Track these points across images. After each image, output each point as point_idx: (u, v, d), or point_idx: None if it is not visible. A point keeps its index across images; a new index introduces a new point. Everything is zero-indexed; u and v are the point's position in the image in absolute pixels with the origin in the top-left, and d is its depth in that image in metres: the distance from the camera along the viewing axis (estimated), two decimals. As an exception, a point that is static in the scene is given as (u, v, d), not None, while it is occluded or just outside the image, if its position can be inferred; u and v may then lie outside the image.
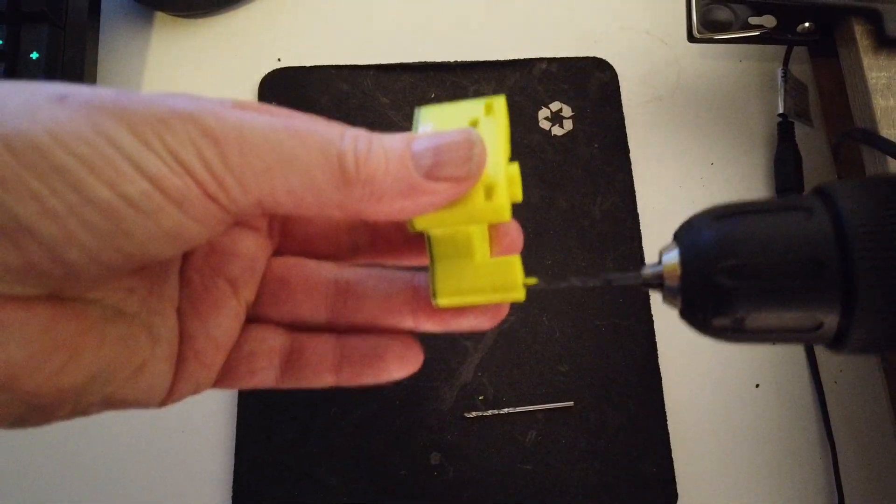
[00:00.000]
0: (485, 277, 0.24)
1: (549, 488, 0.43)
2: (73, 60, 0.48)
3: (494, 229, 0.26)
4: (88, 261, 0.18)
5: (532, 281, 0.25)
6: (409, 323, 0.26)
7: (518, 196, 0.26)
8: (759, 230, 0.22)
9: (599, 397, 0.44)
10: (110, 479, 0.43)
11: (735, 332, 0.22)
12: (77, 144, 0.17)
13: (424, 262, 0.25)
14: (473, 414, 0.44)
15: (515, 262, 0.24)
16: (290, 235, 0.27)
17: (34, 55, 0.46)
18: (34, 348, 0.18)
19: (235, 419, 0.44)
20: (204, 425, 0.44)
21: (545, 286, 0.25)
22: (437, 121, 0.24)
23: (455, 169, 0.21)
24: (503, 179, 0.22)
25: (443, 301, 0.24)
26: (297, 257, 0.27)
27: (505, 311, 0.25)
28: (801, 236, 0.21)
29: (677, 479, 0.43)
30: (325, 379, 0.27)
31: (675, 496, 0.43)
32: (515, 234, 0.26)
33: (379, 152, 0.21)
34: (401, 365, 0.27)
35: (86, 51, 0.49)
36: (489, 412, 0.44)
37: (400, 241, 0.27)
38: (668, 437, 0.44)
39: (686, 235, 0.23)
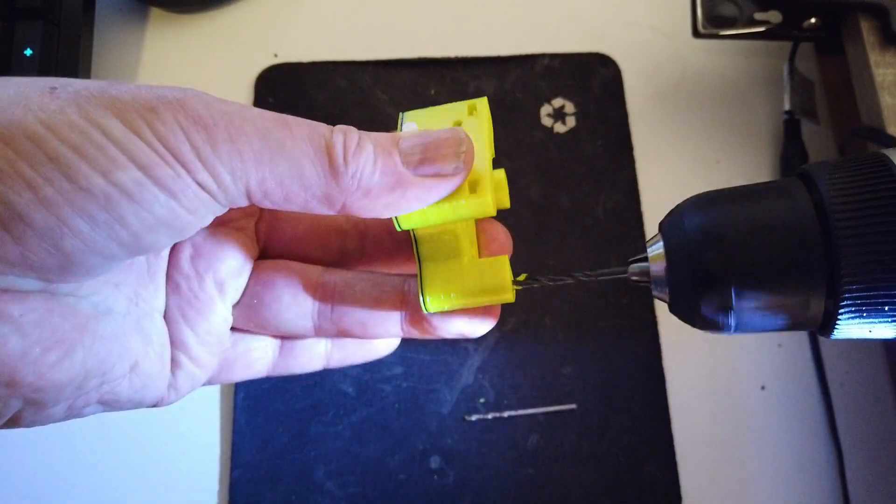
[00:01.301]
0: (474, 279, 0.24)
1: (551, 492, 0.42)
2: (67, 57, 0.47)
3: (483, 234, 0.26)
4: (84, 249, 0.18)
5: (521, 279, 0.25)
6: (396, 329, 0.26)
7: (505, 202, 0.26)
8: (743, 217, 0.22)
9: (602, 400, 0.44)
10: (105, 485, 0.42)
11: (724, 319, 0.22)
12: (69, 133, 0.17)
13: (415, 269, 0.25)
14: (474, 417, 0.43)
15: (503, 263, 0.24)
16: (277, 236, 0.27)
17: (28, 52, 0.46)
18: (32, 340, 0.19)
19: (231, 424, 0.43)
20: (199, 430, 0.43)
21: (535, 285, 0.25)
22: (421, 123, 0.24)
23: (444, 164, 0.21)
24: (487, 174, 0.22)
25: (432, 307, 0.24)
26: (284, 260, 0.27)
27: (494, 320, 0.25)
28: (785, 220, 0.21)
29: (681, 483, 0.43)
30: (316, 365, 0.27)
31: (680, 500, 0.42)
32: (504, 239, 0.26)
33: (367, 146, 0.21)
34: (386, 345, 0.28)
35: (80, 47, 0.48)
36: (490, 415, 0.43)
37: (391, 247, 0.27)
38: (672, 440, 0.43)
39: (670, 226, 0.23)
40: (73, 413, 0.21)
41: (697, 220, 0.22)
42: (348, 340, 0.27)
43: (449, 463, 0.42)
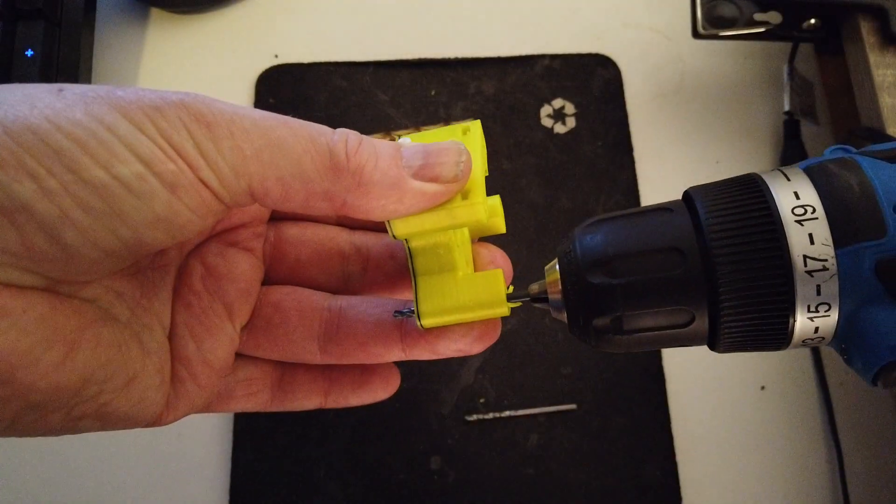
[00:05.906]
0: (468, 292, 0.24)
1: (550, 493, 0.42)
2: (68, 58, 0.47)
3: (479, 258, 0.26)
4: (84, 242, 0.18)
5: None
6: (397, 351, 0.26)
7: (501, 227, 0.26)
8: (627, 231, 0.23)
9: (602, 400, 0.44)
10: (106, 486, 0.42)
11: (615, 335, 0.23)
12: (73, 128, 0.18)
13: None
14: (474, 417, 0.43)
15: (497, 276, 0.24)
16: (281, 259, 0.27)
17: (29, 52, 0.46)
18: (34, 338, 0.19)
19: (232, 424, 0.43)
20: (200, 431, 0.43)
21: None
22: (419, 141, 0.24)
23: (443, 170, 0.22)
24: (480, 185, 0.23)
25: (427, 321, 0.24)
26: (291, 286, 0.27)
27: (494, 337, 0.25)
28: (664, 231, 0.22)
29: (681, 484, 0.43)
30: (313, 402, 0.27)
31: (679, 500, 0.42)
32: (502, 261, 0.26)
33: (369, 148, 0.21)
34: (385, 387, 0.28)
35: (81, 48, 0.48)
36: (490, 415, 0.43)
37: (392, 272, 0.27)
38: (672, 441, 0.43)
39: (563, 250, 0.24)
40: (68, 424, 0.21)
41: (586, 243, 0.23)
42: (346, 381, 0.27)
43: (449, 463, 0.42)
